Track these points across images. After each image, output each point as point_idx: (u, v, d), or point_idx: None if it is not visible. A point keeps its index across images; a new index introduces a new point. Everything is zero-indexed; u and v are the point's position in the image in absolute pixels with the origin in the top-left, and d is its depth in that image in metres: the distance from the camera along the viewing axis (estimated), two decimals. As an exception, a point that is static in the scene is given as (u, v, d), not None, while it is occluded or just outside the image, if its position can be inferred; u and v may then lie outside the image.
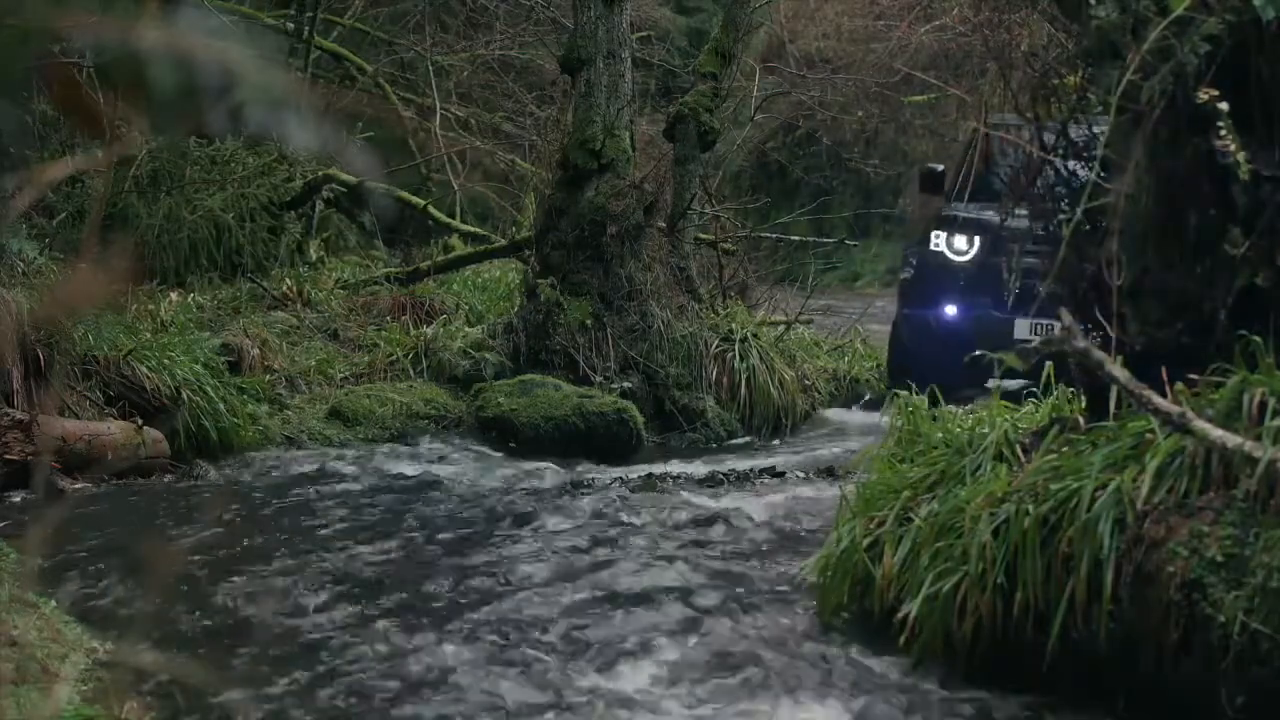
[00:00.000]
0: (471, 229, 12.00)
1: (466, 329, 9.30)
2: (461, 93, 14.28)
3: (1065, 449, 4.12)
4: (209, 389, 7.42)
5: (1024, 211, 5.29)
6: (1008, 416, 4.65)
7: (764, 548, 5.69)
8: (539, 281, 9.04)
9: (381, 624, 4.51)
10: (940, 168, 9.61)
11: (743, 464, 7.82)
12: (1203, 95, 3.94)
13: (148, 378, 7.20)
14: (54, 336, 6.89)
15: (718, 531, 5.97)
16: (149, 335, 7.75)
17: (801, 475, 7.43)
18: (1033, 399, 5.01)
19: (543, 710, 3.83)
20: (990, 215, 8.57)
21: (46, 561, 4.91)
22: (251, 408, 7.78)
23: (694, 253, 10.39)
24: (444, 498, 6.67)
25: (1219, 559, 3.47)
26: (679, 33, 18.75)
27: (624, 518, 6.14)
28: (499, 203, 13.46)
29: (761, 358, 9.48)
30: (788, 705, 3.88)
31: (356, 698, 3.91)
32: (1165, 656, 3.58)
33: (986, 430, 4.54)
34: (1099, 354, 3.72)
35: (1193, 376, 3.92)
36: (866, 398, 10.54)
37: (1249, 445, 3.52)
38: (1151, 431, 3.88)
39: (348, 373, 8.76)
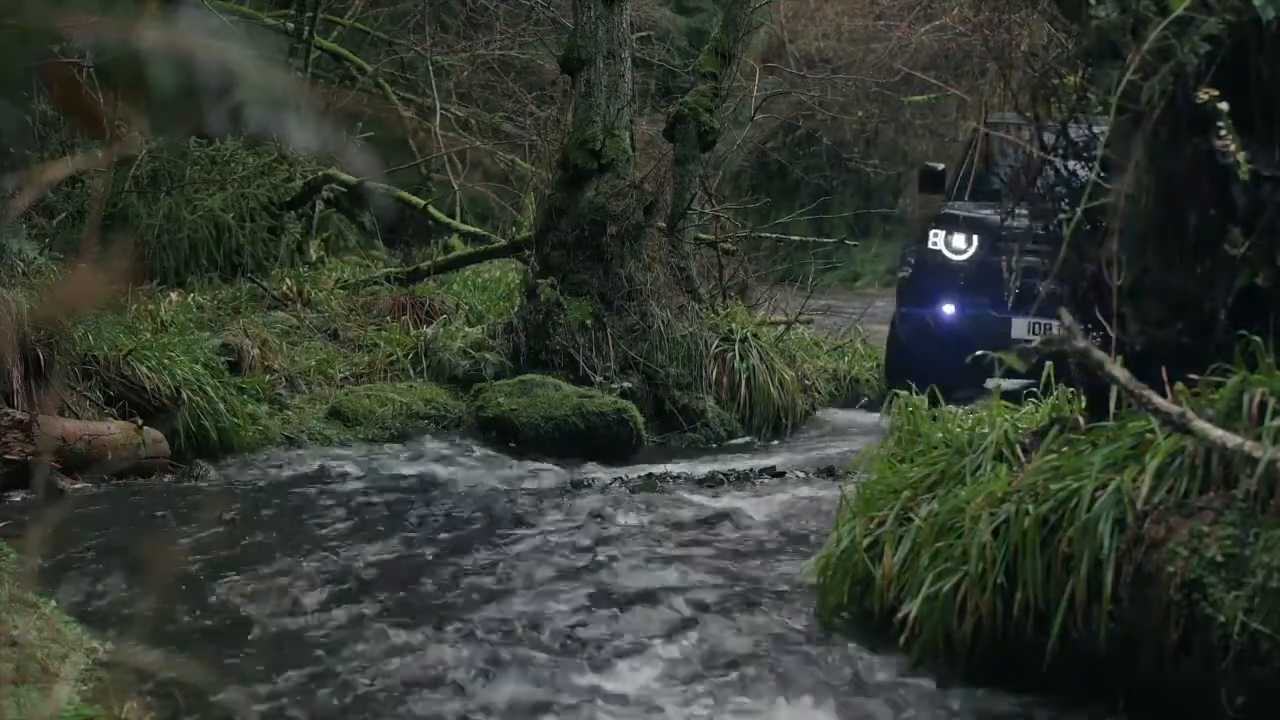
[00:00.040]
0: (471, 229, 12.00)
1: (466, 329, 9.30)
2: (461, 93, 14.28)
3: (1065, 449, 4.12)
4: (209, 389, 7.42)
5: (1023, 211, 5.29)
6: (1008, 416, 4.66)
7: (764, 548, 5.70)
8: (539, 281, 9.04)
9: (381, 624, 4.51)
10: (940, 167, 9.62)
11: (743, 464, 7.82)
12: (1203, 95, 3.94)
13: (148, 378, 7.20)
14: (54, 336, 6.89)
15: (717, 531, 5.97)
16: (149, 335, 7.74)
17: (801, 475, 7.43)
18: (1032, 399, 5.01)
19: (542, 710, 3.83)
20: (989, 214, 8.58)
21: (46, 561, 4.91)
22: (251, 408, 7.78)
23: (694, 253, 10.39)
24: (444, 498, 6.67)
25: (1219, 559, 3.47)
26: (679, 33, 18.75)
27: (624, 518, 6.14)
28: (499, 203, 13.46)
29: (761, 358, 9.48)
30: (787, 705, 3.88)
31: (356, 697, 3.91)
32: (1165, 656, 3.58)
33: (986, 430, 4.54)
34: (1099, 354, 3.72)
35: (1193, 376, 3.92)
36: (864, 400, 10.54)
37: (1249, 445, 3.52)
38: (1151, 431, 3.88)
39: (348, 373, 8.76)
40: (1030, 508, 3.92)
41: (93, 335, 7.22)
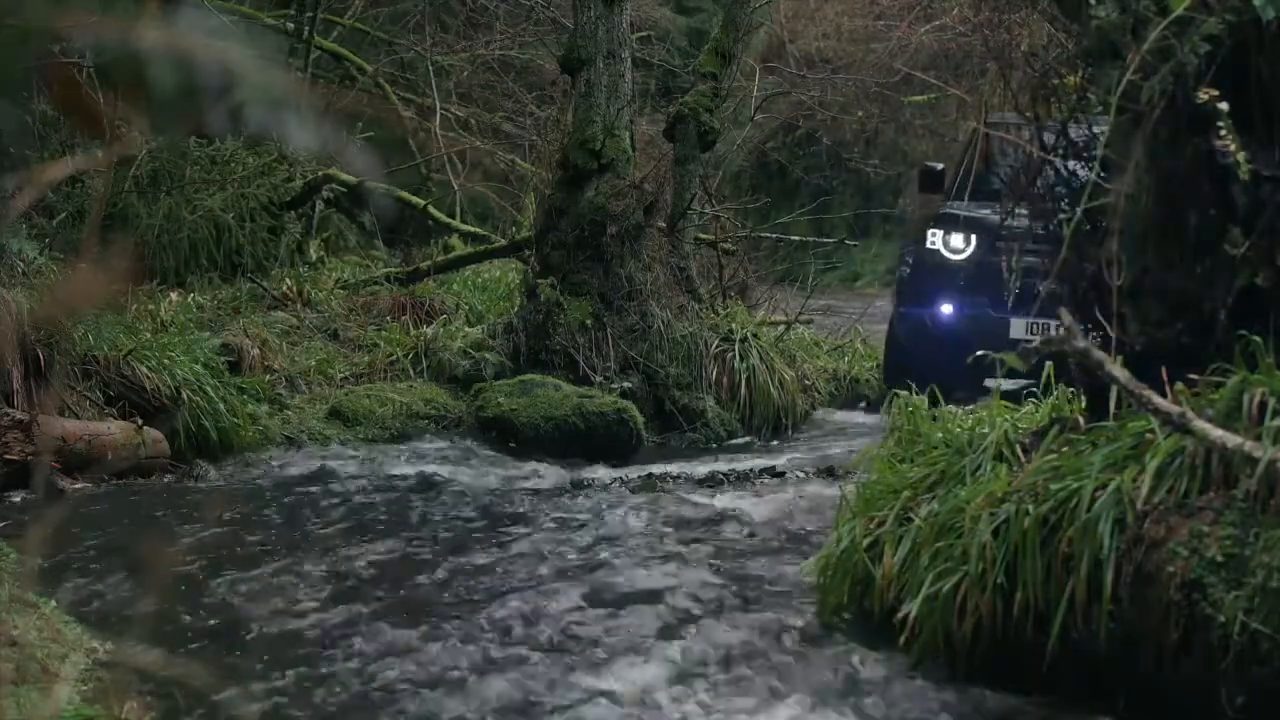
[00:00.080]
0: (471, 229, 12.00)
1: (466, 329, 9.30)
2: (461, 93, 14.28)
3: (1065, 449, 4.12)
4: (209, 389, 7.42)
5: (1023, 211, 5.29)
6: (1008, 416, 4.66)
7: (764, 548, 5.70)
8: (539, 281, 9.04)
9: (381, 623, 4.52)
10: (940, 166, 9.61)
11: (743, 464, 7.82)
12: (1203, 95, 3.94)
13: (148, 378, 7.20)
14: (54, 336, 6.89)
15: (717, 531, 5.97)
16: (149, 335, 7.74)
17: (801, 475, 7.44)
18: (1032, 399, 5.01)
19: (541, 709, 3.83)
20: (987, 214, 8.57)
21: (46, 561, 4.91)
22: (251, 408, 7.78)
23: (694, 253, 10.39)
24: (443, 498, 6.67)
25: (1219, 559, 3.47)
26: (679, 33, 18.76)
27: (624, 518, 6.14)
28: (499, 203, 13.46)
29: (761, 358, 9.48)
30: (787, 705, 3.88)
31: (356, 697, 3.91)
32: (1165, 656, 3.58)
33: (986, 430, 4.54)
34: (1099, 354, 3.72)
35: (1193, 376, 3.92)
36: (864, 402, 10.54)
37: (1249, 445, 3.52)
38: (1151, 431, 3.88)
39: (348, 373, 8.76)
40: (1030, 508, 3.92)
41: (93, 335, 7.22)
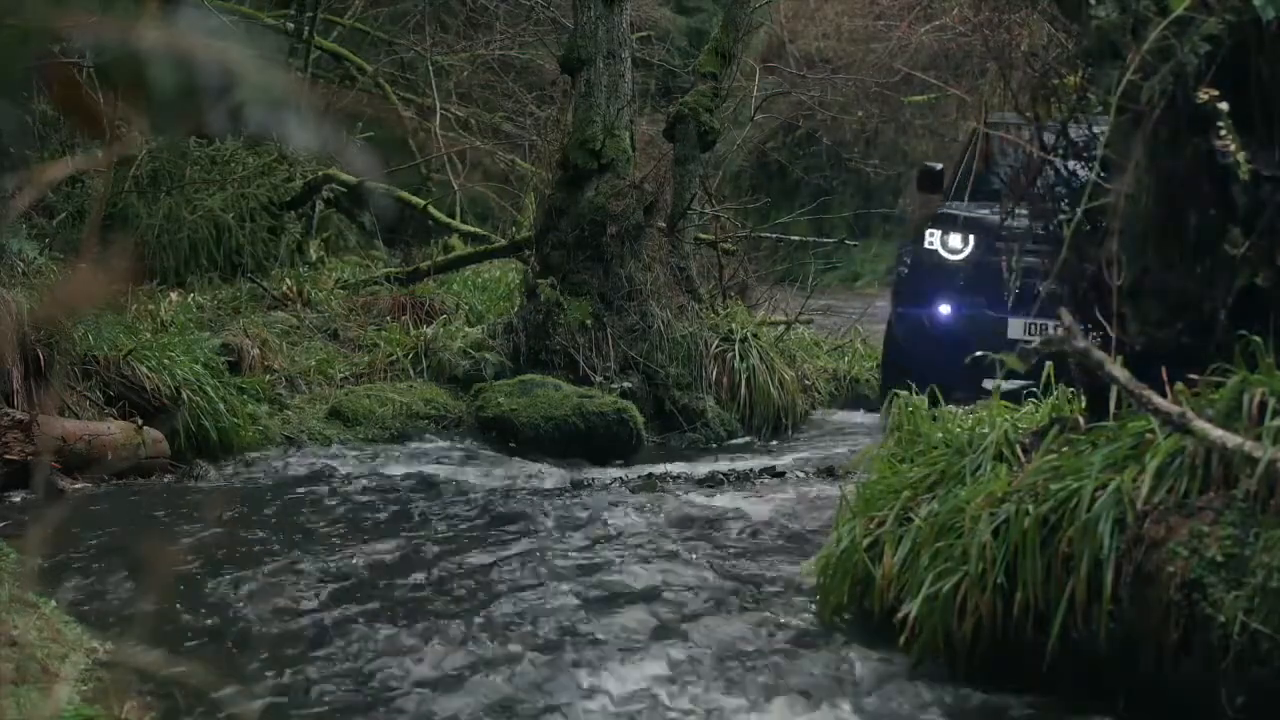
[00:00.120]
0: (471, 229, 12.00)
1: (466, 329, 9.30)
2: (461, 93, 14.28)
3: (1065, 449, 4.12)
4: (209, 389, 7.42)
5: (1022, 211, 5.29)
6: (1008, 416, 4.66)
7: (764, 548, 5.70)
8: (539, 281, 9.04)
9: (381, 623, 4.52)
10: (939, 166, 9.61)
11: (743, 464, 7.82)
12: (1203, 95, 3.94)
13: (148, 378, 7.20)
14: (54, 336, 6.89)
15: (717, 531, 5.97)
16: (149, 335, 7.74)
17: (801, 475, 7.44)
18: (1033, 399, 5.01)
19: (541, 709, 3.83)
20: (985, 214, 8.57)
21: (46, 561, 4.91)
22: (251, 408, 7.78)
23: (694, 253, 10.39)
24: (443, 498, 6.67)
25: (1219, 559, 3.47)
26: (679, 33, 18.76)
27: (623, 517, 6.14)
28: (499, 203, 13.46)
29: (761, 358, 9.48)
30: (787, 705, 3.88)
31: (356, 696, 3.91)
32: (1165, 656, 3.58)
33: (986, 430, 4.54)
34: (1099, 354, 3.72)
35: (1193, 376, 3.92)
36: (864, 402, 10.54)
37: (1249, 445, 3.52)
38: (1151, 431, 3.88)
39: (348, 373, 8.76)
40: (1030, 508, 3.92)
41: (93, 335, 7.21)
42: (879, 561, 4.35)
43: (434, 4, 14.53)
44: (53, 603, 4.33)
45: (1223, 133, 3.92)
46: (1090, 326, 4.24)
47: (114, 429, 6.77)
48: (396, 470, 7.38)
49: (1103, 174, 4.25)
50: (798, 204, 17.68)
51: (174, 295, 9.57)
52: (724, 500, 6.61)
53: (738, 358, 9.37)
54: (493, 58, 14.35)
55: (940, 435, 4.75)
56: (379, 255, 12.16)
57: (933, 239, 9.02)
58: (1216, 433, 3.56)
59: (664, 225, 9.71)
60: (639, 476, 7.32)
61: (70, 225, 9.91)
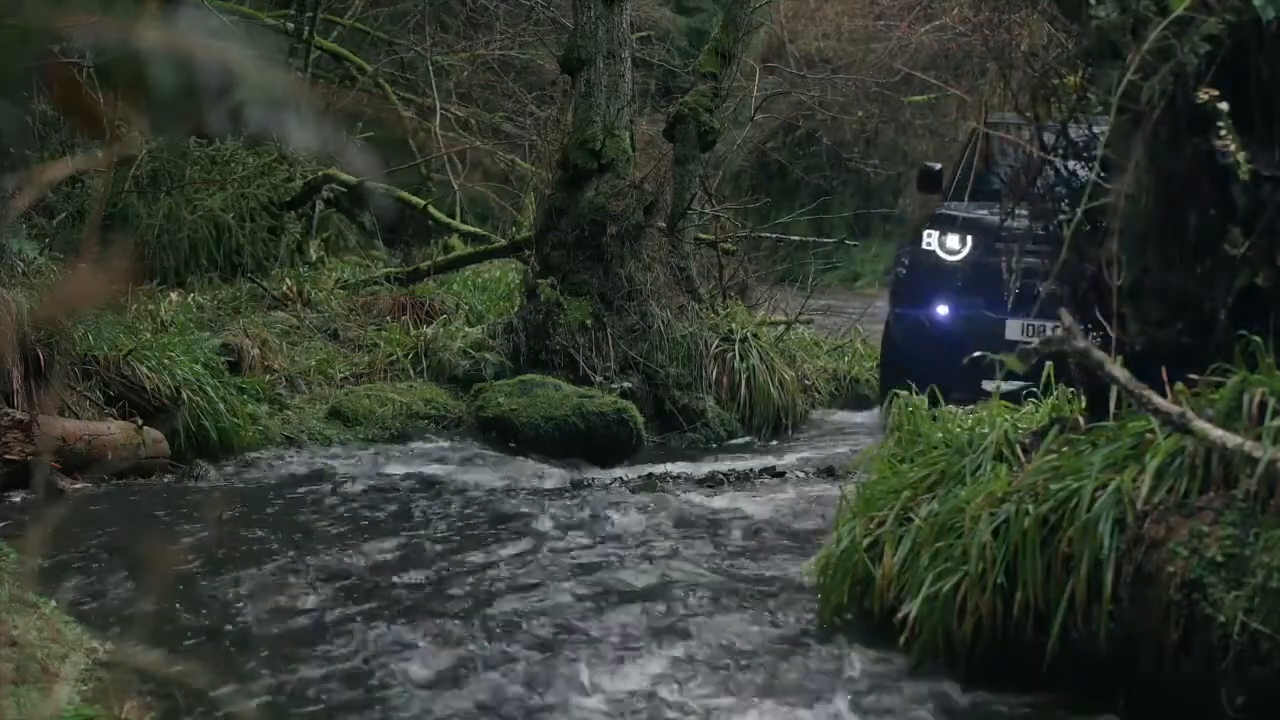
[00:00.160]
0: (471, 229, 12.00)
1: (466, 329, 9.30)
2: (461, 93, 14.28)
3: (1065, 449, 4.12)
4: (209, 389, 7.41)
5: (1021, 212, 5.29)
6: (1008, 416, 4.66)
7: (763, 547, 5.70)
8: (539, 281, 9.04)
9: (381, 623, 4.52)
10: (938, 167, 9.60)
11: (743, 464, 7.82)
12: (1203, 95, 3.94)
13: (148, 378, 7.20)
14: (54, 336, 6.89)
15: (717, 531, 5.97)
16: (149, 335, 7.74)
17: (801, 475, 7.44)
18: (1033, 399, 5.01)
19: (540, 708, 3.83)
20: (984, 215, 8.56)
21: (46, 561, 4.91)
22: (251, 408, 7.78)
23: (694, 253, 10.39)
24: (443, 498, 6.67)
25: (1219, 559, 3.48)
26: (679, 33, 18.75)
27: (623, 517, 6.14)
28: (499, 203, 13.46)
29: (761, 358, 9.47)
30: (787, 705, 3.88)
31: (356, 696, 3.91)
32: (1165, 656, 3.58)
33: (986, 430, 4.54)
34: (1099, 354, 3.72)
35: (1193, 376, 3.92)
36: (865, 401, 10.54)
37: (1249, 445, 3.52)
38: (1151, 431, 3.88)
39: (348, 373, 8.76)
40: (1030, 508, 3.92)
41: (93, 335, 7.21)
42: (879, 561, 4.35)
43: (434, 4, 14.53)
44: (53, 603, 4.33)
45: (1223, 133, 3.92)
46: (1090, 326, 4.24)
47: (114, 429, 6.77)
48: (396, 470, 7.38)
49: (1103, 174, 4.25)
50: (798, 204, 17.68)
51: (174, 295, 9.57)
52: (724, 500, 6.61)
53: (738, 358, 9.37)
54: (493, 58, 14.35)
55: (940, 435, 4.75)
56: (379, 255, 12.16)
57: (930, 240, 9.00)
58: (1216, 433, 3.56)
59: (664, 225, 9.71)
60: (639, 476, 7.32)
61: (70, 225, 9.91)
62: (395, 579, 5.10)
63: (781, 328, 11.25)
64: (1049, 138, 4.72)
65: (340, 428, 8.07)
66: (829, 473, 7.35)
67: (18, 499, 6.17)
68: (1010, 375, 3.85)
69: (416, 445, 8.05)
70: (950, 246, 8.90)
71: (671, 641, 4.36)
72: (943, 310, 8.90)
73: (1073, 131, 4.68)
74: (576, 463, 7.87)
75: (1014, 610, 3.90)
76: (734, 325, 9.62)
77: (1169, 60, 3.99)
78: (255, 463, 7.43)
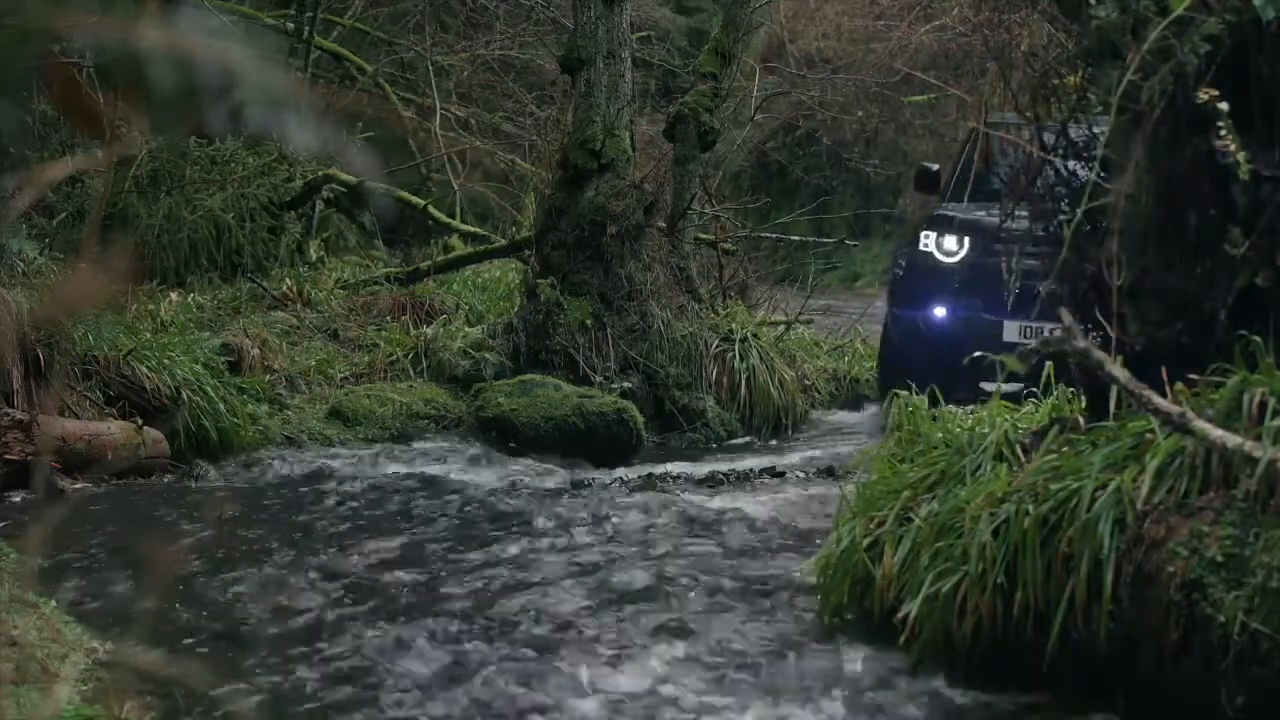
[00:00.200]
0: (471, 229, 12.00)
1: (466, 329, 9.30)
2: (461, 93, 14.28)
3: (1065, 449, 4.12)
4: (209, 389, 7.42)
5: (1020, 213, 5.28)
6: (1008, 417, 4.66)
7: (763, 547, 5.70)
8: (539, 281, 9.04)
9: (380, 622, 4.52)
10: (936, 167, 9.60)
11: (743, 464, 7.82)
12: (1203, 95, 3.94)
13: (148, 378, 7.20)
14: (54, 336, 6.89)
15: (717, 531, 5.97)
16: (149, 335, 7.74)
17: (801, 475, 7.44)
18: (1032, 399, 5.01)
19: (540, 708, 3.83)
20: (981, 216, 8.56)
21: (46, 561, 4.91)
22: (251, 408, 7.78)
23: (694, 253, 10.39)
24: (443, 498, 6.67)
25: (1219, 559, 3.48)
26: (679, 33, 18.75)
27: (623, 517, 6.14)
28: (499, 203, 13.46)
29: (761, 358, 9.47)
30: (787, 705, 3.88)
31: (356, 696, 3.91)
32: (1165, 656, 3.58)
33: (986, 430, 4.54)
34: (1099, 354, 3.72)
35: (1193, 376, 3.92)
36: (865, 401, 10.54)
37: (1249, 445, 3.52)
38: (1151, 431, 3.88)
39: (348, 373, 8.76)
40: (1030, 508, 3.92)
41: (93, 335, 7.21)
42: (879, 561, 4.35)
43: (434, 4, 14.53)
44: (53, 603, 4.33)
45: (1223, 133, 3.92)
46: (1090, 326, 4.24)
47: (114, 429, 6.77)
48: (396, 470, 7.38)
49: (1103, 174, 4.25)
50: (798, 204, 17.68)
51: (174, 295, 9.57)
52: (724, 500, 6.61)
53: (738, 358, 9.37)
54: (493, 58, 14.35)
55: (940, 435, 4.75)
56: (379, 255, 12.16)
57: (928, 241, 8.98)
58: (1216, 433, 3.56)
59: (664, 225, 9.71)
60: (639, 476, 7.32)
61: (70, 225, 9.91)
62: (395, 578, 5.10)
63: (781, 328, 11.25)
64: (1049, 138, 4.72)
65: (340, 428, 8.07)
66: (829, 473, 7.35)
67: (18, 499, 6.17)
68: (1010, 376, 3.85)
69: (416, 445, 8.05)
70: (948, 248, 8.89)
71: (671, 641, 4.36)
72: (940, 312, 8.88)
73: (1073, 131, 4.67)
74: (576, 463, 7.87)
75: (1014, 610, 3.90)
76: (734, 325, 9.62)
77: (1169, 60, 3.99)
78: (255, 463, 7.43)
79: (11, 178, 3.74)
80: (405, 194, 12.16)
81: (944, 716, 3.86)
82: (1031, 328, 7.87)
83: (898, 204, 19.90)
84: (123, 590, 4.78)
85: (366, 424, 8.13)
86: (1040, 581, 3.86)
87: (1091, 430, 4.13)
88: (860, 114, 16.59)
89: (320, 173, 11.47)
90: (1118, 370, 3.69)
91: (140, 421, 6.88)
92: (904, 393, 5.23)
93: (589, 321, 8.96)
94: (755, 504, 6.52)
